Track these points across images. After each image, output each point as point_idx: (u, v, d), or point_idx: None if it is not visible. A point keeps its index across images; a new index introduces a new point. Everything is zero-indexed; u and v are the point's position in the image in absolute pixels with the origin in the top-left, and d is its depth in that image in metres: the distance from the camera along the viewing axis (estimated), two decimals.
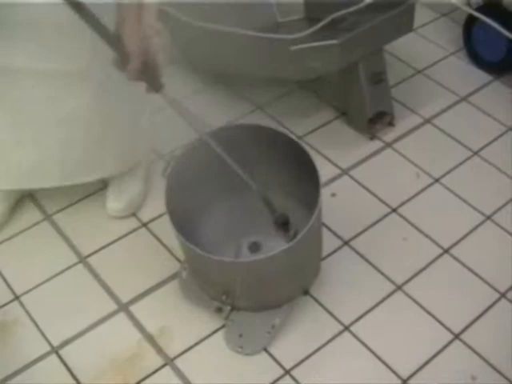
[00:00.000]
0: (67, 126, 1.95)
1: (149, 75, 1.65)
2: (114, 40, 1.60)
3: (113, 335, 1.94)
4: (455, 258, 2.10)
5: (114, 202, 2.21)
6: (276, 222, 1.86)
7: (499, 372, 1.83)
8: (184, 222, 1.82)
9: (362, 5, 2.26)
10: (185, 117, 1.73)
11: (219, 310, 1.92)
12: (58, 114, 1.92)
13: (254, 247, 2.01)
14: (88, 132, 1.98)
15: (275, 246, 1.93)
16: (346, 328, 1.93)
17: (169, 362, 1.88)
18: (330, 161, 2.40)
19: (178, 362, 1.87)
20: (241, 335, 1.89)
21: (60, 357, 1.90)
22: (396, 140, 2.48)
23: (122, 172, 2.20)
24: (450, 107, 2.60)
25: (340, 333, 1.92)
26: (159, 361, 1.88)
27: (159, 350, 1.90)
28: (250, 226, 2.03)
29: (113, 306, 2.01)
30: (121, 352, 1.90)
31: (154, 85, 1.67)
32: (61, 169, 2.06)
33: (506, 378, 1.82)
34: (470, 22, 2.71)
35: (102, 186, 2.29)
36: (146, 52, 1.61)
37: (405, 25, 2.35)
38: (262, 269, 1.79)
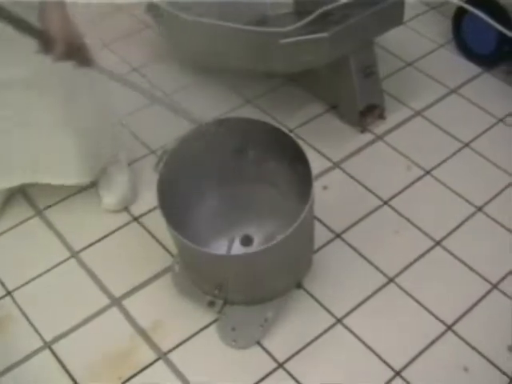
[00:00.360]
0: (30, 130, 1.97)
1: (77, 54, 1.67)
2: (32, 27, 1.61)
3: (106, 330, 1.94)
4: (447, 250, 2.10)
5: (109, 197, 2.21)
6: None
7: (491, 363, 1.84)
8: (176, 216, 1.81)
9: None
10: (130, 87, 1.78)
11: (212, 304, 1.92)
12: (20, 120, 1.94)
13: (246, 240, 2.01)
14: (51, 137, 2.00)
15: (267, 238, 1.94)
16: (339, 321, 1.93)
17: (162, 356, 1.88)
18: (321, 154, 2.40)
19: (172, 356, 1.87)
20: (234, 329, 1.90)
21: (53, 352, 1.89)
22: (387, 132, 2.48)
23: (87, 181, 2.19)
24: (440, 99, 2.61)
25: (333, 325, 1.92)
26: (152, 355, 1.88)
27: (152, 345, 1.90)
28: (242, 219, 2.03)
29: (105, 301, 2.00)
30: (114, 347, 1.90)
31: (84, 61, 1.70)
32: (26, 169, 2.08)
33: (498, 369, 1.83)
34: (460, 14, 2.71)
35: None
36: (69, 34, 1.64)
37: (395, 18, 2.35)
38: (255, 262, 1.79)
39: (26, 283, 2.05)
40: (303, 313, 1.95)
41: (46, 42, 1.62)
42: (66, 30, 1.63)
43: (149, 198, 2.11)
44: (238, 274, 1.83)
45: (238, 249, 2.00)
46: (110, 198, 2.21)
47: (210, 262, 1.81)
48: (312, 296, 1.98)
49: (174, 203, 1.84)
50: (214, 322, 1.93)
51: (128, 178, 2.25)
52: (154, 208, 2.13)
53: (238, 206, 2.04)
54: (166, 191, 1.80)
